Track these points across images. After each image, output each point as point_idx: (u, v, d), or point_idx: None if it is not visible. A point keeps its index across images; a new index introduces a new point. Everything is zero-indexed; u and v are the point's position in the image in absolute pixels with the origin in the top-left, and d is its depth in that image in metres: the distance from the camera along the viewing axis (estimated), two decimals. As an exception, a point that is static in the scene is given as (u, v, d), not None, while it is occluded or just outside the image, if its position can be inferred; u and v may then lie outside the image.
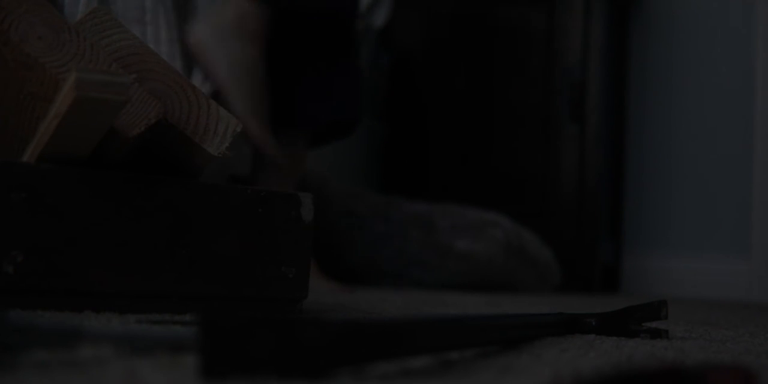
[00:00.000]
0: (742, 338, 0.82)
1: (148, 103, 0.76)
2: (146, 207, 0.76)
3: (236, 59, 1.38)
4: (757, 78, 2.50)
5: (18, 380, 0.37)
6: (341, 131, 1.68)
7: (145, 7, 1.38)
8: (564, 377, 0.46)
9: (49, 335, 0.44)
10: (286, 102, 1.57)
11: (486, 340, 0.57)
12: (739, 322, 1.13)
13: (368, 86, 2.60)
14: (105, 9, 0.82)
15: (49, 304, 0.71)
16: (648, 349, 0.66)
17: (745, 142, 2.51)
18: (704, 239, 2.56)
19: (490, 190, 2.55)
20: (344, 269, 2.04)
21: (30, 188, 0.71)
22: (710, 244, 2.55)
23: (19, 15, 0.75)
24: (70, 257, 0.72)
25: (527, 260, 2.08)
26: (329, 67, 1.60)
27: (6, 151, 0.81)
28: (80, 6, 1.31)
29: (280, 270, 0.84)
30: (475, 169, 2.58)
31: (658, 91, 2.67)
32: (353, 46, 1.66)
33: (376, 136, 2.65)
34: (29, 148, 0.76)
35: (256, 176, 1.61)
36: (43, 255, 0.71)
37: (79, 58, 0.75)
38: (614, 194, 2.65)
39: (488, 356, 0.55)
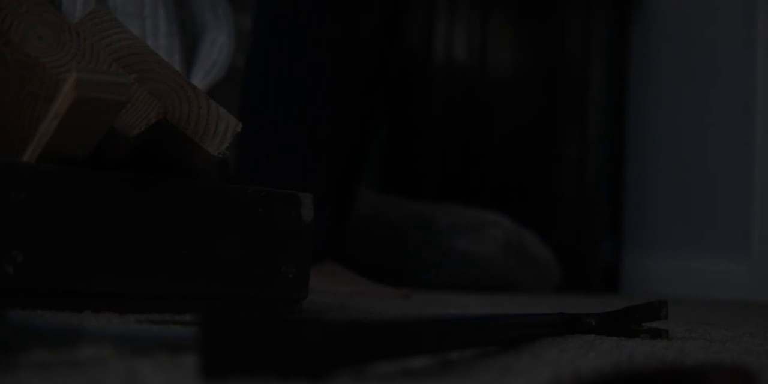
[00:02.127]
0: (742, 338, 0.82)
1: (148, 103, 0.76)
2: (146, 207, 0.76)
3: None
4: (757, 77, 2.50)
5: (18, 380, 0.37)
6: None
7: (144, 1, 1.38)
8: (564, 377, 0.46)
9: (49, 335, 0.44)
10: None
11: (486, 340, 0.57)
12: (739, 322, 1.13)
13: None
14: (105, 9, 0.82)
15: (49, 304, 0.71)
16: (648, 349, 0.66)
17: (746, 142, 2.51)
18: (704, 239, 2.56)
19: (489, 189, 2.54)
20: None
21: (30, 188, 0.71)
22: (710, 244, 2.55)
23: (19, 15, 0.75)
24: (70, 257, 0.72)
25: (527, 260, 2.08)
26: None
27: (6, 151, 0.81)
28: (78, 4, 1.30)
29: (280, 270, 0.84)
30: (474, 168, 2.58)
31: (658, 91, 2.67)
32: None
33: (376, 136, 2.65)
34: (29, 148, 0.76)
35: None
36: (43, 255, 0.71)
37: (79, 58, 0.75)
38: (614, 194, 2.65)
39: (488, 356, 0.55)
